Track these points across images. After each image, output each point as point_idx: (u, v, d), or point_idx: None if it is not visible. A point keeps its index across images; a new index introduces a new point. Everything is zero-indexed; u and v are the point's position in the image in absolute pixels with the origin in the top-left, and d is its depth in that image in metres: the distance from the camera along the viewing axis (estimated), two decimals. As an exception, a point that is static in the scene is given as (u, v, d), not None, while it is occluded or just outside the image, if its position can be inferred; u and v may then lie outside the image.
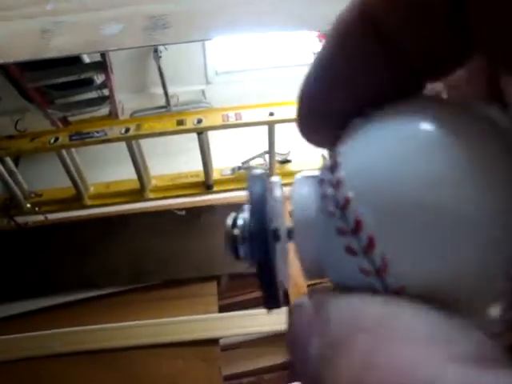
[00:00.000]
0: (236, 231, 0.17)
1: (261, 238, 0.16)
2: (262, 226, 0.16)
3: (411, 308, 0.13)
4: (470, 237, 0.13)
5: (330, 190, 0.15)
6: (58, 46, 0.60)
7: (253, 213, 0.17)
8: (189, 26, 0.63)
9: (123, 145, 1.44)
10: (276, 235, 0.17)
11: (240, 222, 0.18)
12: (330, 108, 0.17)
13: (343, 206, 0.14)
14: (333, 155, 0.16)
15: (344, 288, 0.15)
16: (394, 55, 0.15)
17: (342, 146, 0.16)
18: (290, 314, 0.16)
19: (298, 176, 0.18)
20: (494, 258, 0.13)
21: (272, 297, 0.17)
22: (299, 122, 0.18)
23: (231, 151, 1.68)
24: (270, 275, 0.17)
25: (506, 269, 0.13)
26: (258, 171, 0.18)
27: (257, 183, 0.17)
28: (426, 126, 0.14)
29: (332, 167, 0.15)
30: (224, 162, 1.66)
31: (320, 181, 0.16)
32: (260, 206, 0.17)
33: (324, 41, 0.16)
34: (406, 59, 0.15)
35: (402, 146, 0.14)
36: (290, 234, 0.17)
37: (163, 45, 1.35)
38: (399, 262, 0.13)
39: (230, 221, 0.18)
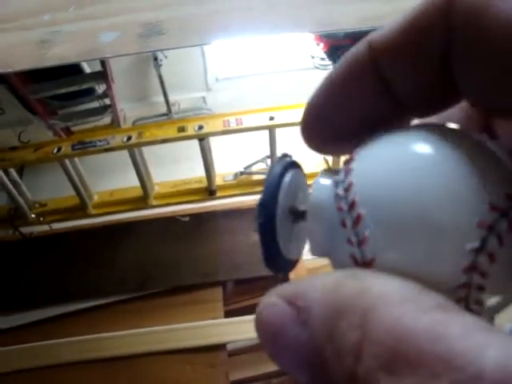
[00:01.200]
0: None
1: (264, 205, 0.19)
2: (268, 195, 0.19)
3: (380, 279, 0.15)
4: (444, 245, 0.15)
5: (341, 192, 0.17)
6: (56, 55, 0.61)
7: (265, 186, 0.19)
8: (184, 32, 0.64)
9: (126, 153, 1.45)
10: (281, 206, 0.19)
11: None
12: (328, 123, 0.20)
13: (350, 206, 0.17)
14: (348, 161, 0.18)
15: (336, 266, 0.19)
16: (389, 91, 0.18)
17: (357, 153, 0.18)
18: (260, 315, 0.16)
19: (322, 170, 0.20)
20: (458, 261, 0.15)
21: (271, 260, 0.19)
22: (302, 129, 0.21)
23: (233, 157, 1.69)
24: (269, 238, 0.19)
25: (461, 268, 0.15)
26: (287, 157, 0.21)
27: (279, 164, 0.20)
28: (433, 147, 0.17)
29: (345, 172, 0.18)
30: (227, 167, 1.66)
31: (335, 181, 0.18)
32: (272, 180, 0.19)
33: (335, 65, 0.19)
34: (399, 97, 0.18)
35: (403, 163, 0.16)
36: (304, 215, 0.19)
37: (159, 50, 1.36)
38: (385, 263, 0.16)
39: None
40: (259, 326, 0.16)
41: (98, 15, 0.69)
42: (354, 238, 0.16)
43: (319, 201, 0.18)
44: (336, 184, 0.18)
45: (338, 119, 0.20)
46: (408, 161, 0.16)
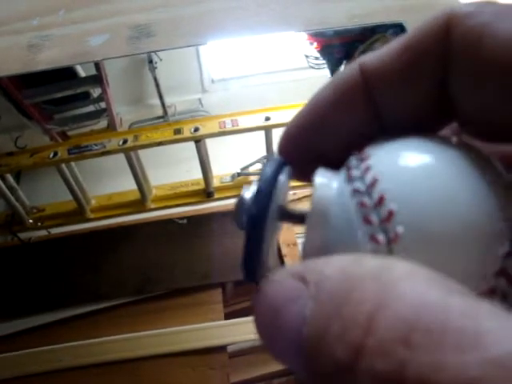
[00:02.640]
0: (244, 201, 0.18)
1: (258, 212, 0.17)
2: (263, 200, 0.17)
3: (405, 261, 0.14)
4: (475, 247, 0.15)
5: (363, 187, 0.16)
6: (45, 59, 0.61)
7: (258, 189, 0.18)
8: (173, 34, 0.64)
9: (123, 156, 1.45)
10: (276, 212, 0.18)
11: (249, 194, 0.18)
12: (309, 149, 0.19)
13: (378, 201, 0.16)
14: (361, 159, 0.17)
15: None
16: (379, 116, 0.18)
17: (372, 153, 0.17)
18: (263, 291, 0.15)
19: (320, 168, 0.19)
20: (483, 256, 0.15)
21: (250, 270, 0.18)
22: (279, 151, 0.20)
23: (230, 158, 1.69)
24: (255, 248, 0.17)
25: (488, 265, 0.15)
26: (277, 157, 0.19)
27: (273, 163, 0.18)
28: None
29: (364, 169, 0.17)
30: (224, 169, 1.66)
31: (348, 178, 0.17)
32: (267, 183, 0.18)
33: (319, 89, 0.19)
34: (389, 121, 0.18)
35: (434, 166, 0.16)
36: (302, 217, 0.18)
37: (149, 52, 1.36)
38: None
39: (243, 191, 0.18)
40: (259, 302, 0.15)
41: (87, 18, 0.68)
42: (381, 234, 0.15)
43: (324, 200, 0.17)
44: (349, 180, 0.17)
45: (320, 145, 0.19)
46: (438, 164, 0.16)
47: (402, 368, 0.12)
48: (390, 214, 0.15)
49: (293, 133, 0.20)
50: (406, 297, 0.12)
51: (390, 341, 0.12)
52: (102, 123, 1.79)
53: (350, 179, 0.17)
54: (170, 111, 1.99)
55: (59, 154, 1.41)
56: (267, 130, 1.47)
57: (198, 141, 1.46)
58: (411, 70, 0.16)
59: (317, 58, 1.32)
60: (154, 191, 1.62)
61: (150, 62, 1.82)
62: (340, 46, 1.09)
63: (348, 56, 1.12)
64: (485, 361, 0.11)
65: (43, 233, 1.61)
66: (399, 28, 0.62)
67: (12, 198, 1.46)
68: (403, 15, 0.60)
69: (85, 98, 1.71)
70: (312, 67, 1.43)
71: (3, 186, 1.43)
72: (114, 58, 0.62)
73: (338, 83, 0.18)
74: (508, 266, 0.14)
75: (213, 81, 2.16)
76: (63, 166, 1.43)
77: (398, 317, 0.12)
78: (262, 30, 0.64)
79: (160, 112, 2.00)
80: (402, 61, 0.16)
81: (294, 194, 1.67)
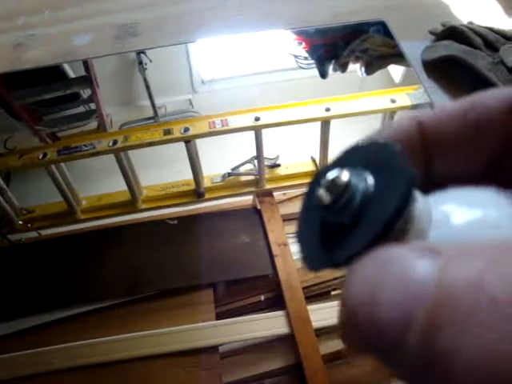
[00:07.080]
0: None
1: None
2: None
3: None
4: None
5: None
6: (31, 58, 0.61)
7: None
8: (158, 33, 0.65)
9: (113, 157, 1.45)
10: None
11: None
12: None
13: None
14: None
15: None
16: (428, 170, 0.18)
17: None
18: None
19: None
20: None
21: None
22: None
23: (221, 158, 1.69)
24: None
25: None
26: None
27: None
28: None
29: None
30: (215, 169, 1.66)
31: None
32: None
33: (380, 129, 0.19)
34: (435, 176, 0.18)
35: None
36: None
37: (134, 51, 1.36)
38: None
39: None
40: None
41: (72, 18, 0.69)
42: None
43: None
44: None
45: None
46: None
47: None
48: None
49: None
50: None
51: None
52: (92, 124, 1.79)
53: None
54: (160, 112, 1.99)
55: (49, 155, 1.41)
56: (257, 130, 1.47)
57: (188, 141, 1.46)
58: (474, 134, 0.16)
59: (306, 58, 1.33)
60: (145, 192, 1.62)
61: (140, 63, 1.81)
62: (328, 45, 1.09)
63: (336, 55, 1.13)
64: None
65: (33, 234, 1.60)
66: (381, 26, 0.62)
67: (1, 200, 1.46)
68: (386, 14, 0.61)
69: (74, 99, 1.71)
70: (301, 67, 1.44)
71: (-8, 188, 1.42)
72: (99, 56, 0.62)
73: (394, 128, 0.18)
74: None
75: (203, 81, 2.16)
76: (53, 167, 1.43)
77: None
78: (247, 29, 0.64)
79: (150, 113, 1.99)
80: (465, 124, 0.16)
81: (284, 194, 1.68)
